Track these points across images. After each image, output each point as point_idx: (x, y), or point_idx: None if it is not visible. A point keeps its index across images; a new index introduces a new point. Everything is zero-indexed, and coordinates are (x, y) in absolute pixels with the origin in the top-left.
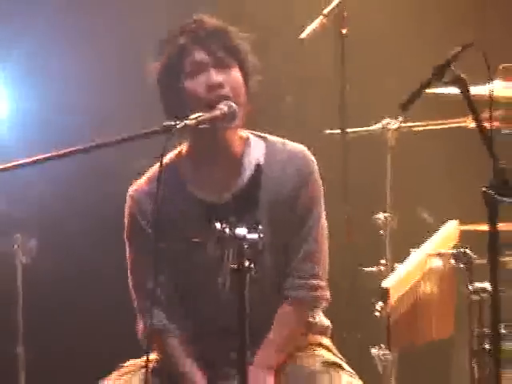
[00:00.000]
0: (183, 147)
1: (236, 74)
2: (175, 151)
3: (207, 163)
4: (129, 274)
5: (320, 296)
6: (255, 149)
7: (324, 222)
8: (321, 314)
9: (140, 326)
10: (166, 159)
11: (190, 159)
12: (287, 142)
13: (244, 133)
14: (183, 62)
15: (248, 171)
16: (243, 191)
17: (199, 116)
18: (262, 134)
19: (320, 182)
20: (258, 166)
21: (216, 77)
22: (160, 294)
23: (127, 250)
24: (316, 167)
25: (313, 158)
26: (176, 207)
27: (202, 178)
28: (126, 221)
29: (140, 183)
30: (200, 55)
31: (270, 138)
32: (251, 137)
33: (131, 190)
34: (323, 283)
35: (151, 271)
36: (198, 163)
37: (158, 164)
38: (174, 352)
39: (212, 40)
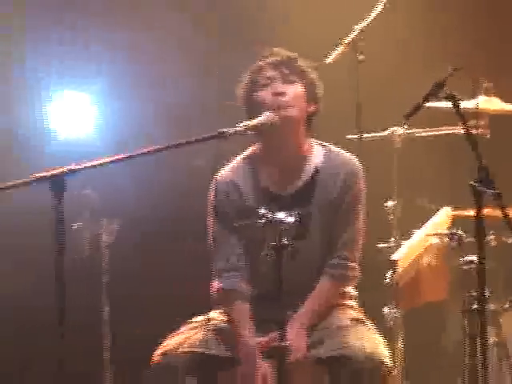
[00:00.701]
0: (258, 146)
1: (298, 88)
2: (252, 148)
3: (276, 162)
4: (210, 242)
5: (353, 275)
6: (316, 154)
7: (362, 218)
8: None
9: (214, 285)
10: (246, 154)
11: (262, 156)
12: (341, 151)
13: (309, 140)
14: (258, 77)
15: (309, 172)
16: (303, 188)
17: (245, 124)
18: (323, 143)
19: (363, 186)
20: (316, 168)
21: (280, 87)
22: (237, 260)
23: (210, 223)
24: (361, 174)
25: (360, 166)
26: (249, 194)
27: (272, 172)
28: (210, 201)
29: (224, 172)
30: (270, 72)
31: (328, 146)
32: (314, 144)
33: (217, 177)
34: (357, 266)
35: (228, 241)
36: (268, 160)
37: (238, 157)
38: (239, 313)
39: (282, 63)
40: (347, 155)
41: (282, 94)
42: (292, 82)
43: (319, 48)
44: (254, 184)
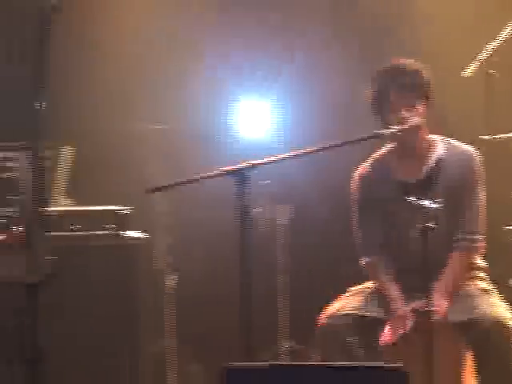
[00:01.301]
0: (391, 145)
1: (422, 106)
2: (387, 147)
3: (406, 156)
4: (354, 226)
5: (480, 246)
6: (438, 148)
7: (482, 198)
8: (479, 259)
9: (361, 260)
10: (380, 152)
11: (395, 153)
12: (459, 143)
13: (432, 137)
14: (386, 102)
15: (433, 162)
16: (428, 175)
17: (396, 128)
18: (445, 138)
19: (481, 172)
20: (439, 159)
21: (408, 113)
22: (377, 239)
23: (354, 211)
24: (478, 162)
25: (477, 155)
26: (385, 185)
27: (402, 166)
28: (352, 191)
29: (363, 167)
30: (396, 98)
31: (450, 140)
32: (436, 139)
33: (357, 171)
34: (481, 237)
35: (370, 224)
36: (400, 156)
37: (375, 154)
38: (384, 281)
39: (406, 80)
40: (465, 146)
41: (409, 118)
42: (417, 105)
43: (454, 60)
44: (388, 175)
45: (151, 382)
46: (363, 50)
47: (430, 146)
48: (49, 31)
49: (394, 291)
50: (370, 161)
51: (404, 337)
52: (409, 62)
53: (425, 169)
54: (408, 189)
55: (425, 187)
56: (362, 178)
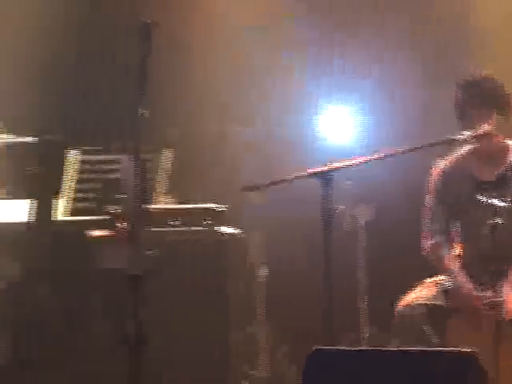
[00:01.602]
0: (471, 147)
1: (494, 118)
2: (468, 148)
3: (482, 159)
4: (424, 213)
5: None
6: None
7: None
8: None
9: (426, 244)
10: (461, 152)
11: (474, 155)
12: None
13: (509, 143)
14: (465, 111)
15: (507, 164)
16: (500, 178)
17: (470, 134)
18: None
19: None
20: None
21: (482, 128)
22: (445, 227)
23: (427, 200)
24: None
25: None
26: (461, 180)
27: (479, 167)
28: (430, 182)
29: (444, 161)
30: (474, 110)
31: None
32: None
33: (437, 165)
34: None
35: (441, 213)
36: (477, 158)
37: (456, 153)
38: (449, 263)
39: (485, 93)
40: None
41: (482, 126)
42: (490, 119)
43: None
44: (465, 173)
45: (242, 365)
46: (441, 51)
47: (509, 150)
48: (150, 44)
49: (463, 277)
50: (450, 157)
51: (473, 327)
52: (488, 76)
53: (498, 171)
54: (481, 188)
55: (496, 188)
56: (442, 172)
